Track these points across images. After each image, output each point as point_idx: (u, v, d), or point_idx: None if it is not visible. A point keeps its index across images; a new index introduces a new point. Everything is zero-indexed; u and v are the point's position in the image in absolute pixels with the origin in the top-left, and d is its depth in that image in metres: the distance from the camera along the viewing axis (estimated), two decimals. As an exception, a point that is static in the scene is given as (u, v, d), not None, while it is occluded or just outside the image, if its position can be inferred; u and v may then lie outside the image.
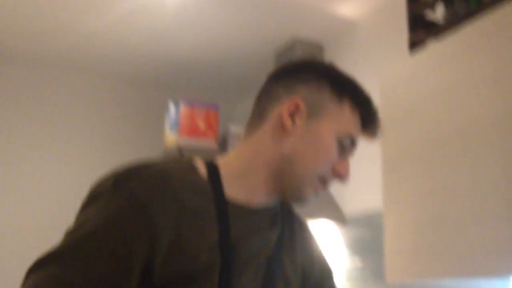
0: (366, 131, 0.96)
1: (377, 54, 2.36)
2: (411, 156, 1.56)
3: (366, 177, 2.26)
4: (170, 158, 0.93)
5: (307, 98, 0.91)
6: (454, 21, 1.56)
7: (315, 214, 2.31)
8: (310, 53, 2.68)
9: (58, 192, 2.94)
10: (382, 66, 1.78)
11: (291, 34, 2.65)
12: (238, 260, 0.87)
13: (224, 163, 0.93)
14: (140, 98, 3.28)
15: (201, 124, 2.74)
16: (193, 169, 0.89)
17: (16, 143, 2.93)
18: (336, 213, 2.34)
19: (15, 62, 3.01)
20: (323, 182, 0.92)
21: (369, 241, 2.19)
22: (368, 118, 0.95)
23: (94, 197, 0.82)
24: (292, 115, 0.90)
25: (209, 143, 2.74)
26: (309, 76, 0.94)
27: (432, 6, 1.69)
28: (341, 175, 0.92)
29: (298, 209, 1.06)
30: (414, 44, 1.68)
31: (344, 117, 0.92)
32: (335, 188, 2.45)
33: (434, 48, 1.56)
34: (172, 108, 2.75)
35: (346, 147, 0.92)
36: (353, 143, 0.94)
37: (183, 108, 2.70)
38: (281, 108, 0.91)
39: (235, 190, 0.90)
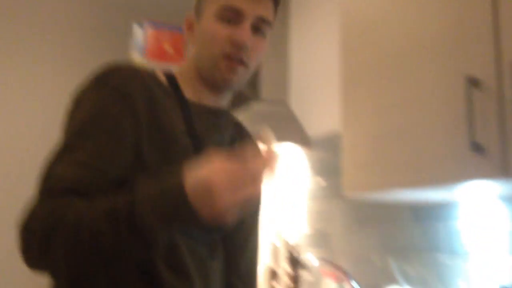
0: None
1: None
2: (368, 71, 1.58)
3: (329, 98, 2.30)
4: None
5: (194, 8, 1.06)
6: None
7: (281, 138, 2.36)
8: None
9: (26, 119, 2.92)
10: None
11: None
12: (204, 148, 1.00)
13: (178, 71, 1.09)
14: (102, 20, 3.18)
15: (168, 48, 2.71)
16: (155, 73, 1.03)
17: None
18: (301, 136, 2.39)
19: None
20: (227, 57, 1.00)
21: (331, 162, 2.25)
22: None
23: (80, 99, 0.95)
24: (188, 26, 1.07)
25: (177, 67, 2.72)
26: None
27: None
28: (236, 41, 0.98)
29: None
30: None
31: None
32: (300, 111, 2.49)
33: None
34: (137, 31, 2.69)
35: (230, 18, 0.99)
36: (235, 11, 0.98)
37: (149, 31, 2.65)
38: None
39: (189, 92, 1.05)
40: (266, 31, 1.03)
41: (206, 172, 0.76)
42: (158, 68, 2.59)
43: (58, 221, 0.81)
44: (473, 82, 1.21)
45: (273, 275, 2.35)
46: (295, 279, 2.21)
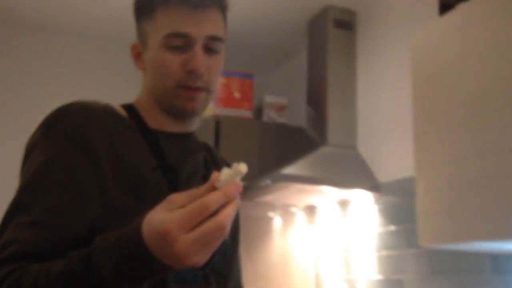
0: (183, 4, 0.92)
1: (408, 19, 2.33)
2: (442, 118, 1.55)
3: (399, 143, 2.26)
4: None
5: (139, 37, 0.99)
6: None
7: (351, 184, 2.33)
8: (342, 19, 2.66)
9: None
10: (413, 30, 1.77)
11: (323, 0, 2.63)
12: (179, 179, 0.94)
13: (136, 101, 1.02)
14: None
15: (236, 94, 2.78)
16: (111, 106, 0.95)
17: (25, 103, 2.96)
18: (371, 182, 2.36)
19: (24, 27, 3.10)
20: (185, 87, 0.93)
21: (402, 207, 2.20)
22: None
23: (31, 148, 0.87)
24: (135, 56, 1.00)
25: (244, 112, 2.78)
26: (134, 15, 1.00)
27: (463, -34, 1.66)
28: (191, 70, 0.92)
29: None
30: (444, 6, 1.66)
31: (158, 24, 0.93)
32: (369, 156, 2.46)
33: (463, 9, 1.54)
34: (207, 79, 2.79)
35: (179, 44, 0.92)
36: (182, 36, 0.91)
37: (218, 79, 2.73)
38: None
39: (153, 122, 0.98)
40: (219, 47, 0.96)
41: (160, 216, 0.68)
42: (228, 115, 2.67)
43: None
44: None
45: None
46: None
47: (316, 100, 2.67)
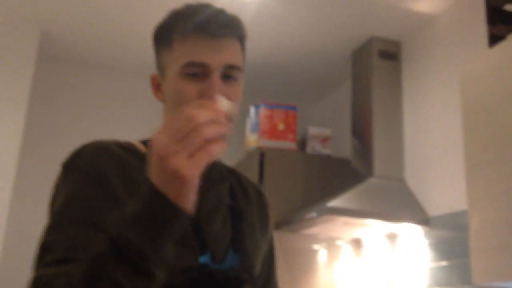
0: (200, 34, 0.93)
1: (456, 49, 2.29)
2: (495, 150, 1.51)
3: (449, 175, 2.21)
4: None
5: (158, 68, 1.00)
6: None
7: (399, 217, 2.29)
8: (387, 50, 2.65)
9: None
10: (461, 61, 1.74)
11: (368, 32, 2.63)
12: (201, 212, 0.91)
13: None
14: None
15: (280, 126, 2.79)
16: (128, 142, 0.97)
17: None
18: (419, 215, 2.30)
19: (88, 66, 3.21)
20: None
21: (454, 242, 2.13)
22: (194, 26, 0.93)
23: (55, 192, 0.89)
24: (155, 87, 1.01)
25: (288, 144, 2.78)
26: (153, 47, 1.01)
27: (513, -3, 1.63)
28: (207, 95, 0.91)
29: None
30: (494, 37, 1.63)
31: (175, 54, 0.94)
32: (417, 189, 2.41)
33: (516, 41, 1.50)
34: (252, 111, 2.81)
35: (197, 72, 0.92)
36: (200, 66, 0.92)
37: (263, 111, 2.76)
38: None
39: None
40: (237, 75, 0.96)
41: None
42: (272, 146, 2.68)
43: None
44: None
45: None
46: None
47: (361, 131, 2.65)
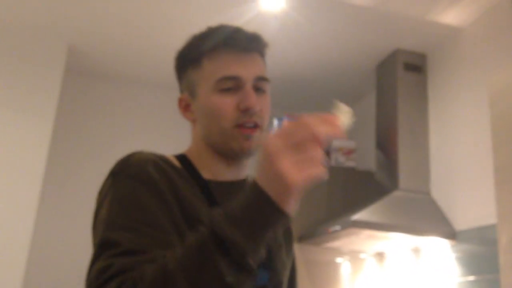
0: (230, 49, 0.97)
1: (483, 62, 2.27)
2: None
3: (476, 189, 2.18)
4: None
5: (185, 89, 1.03)
6: None
7: (423, 231, 2.26)
8: (412, 62, 2.63)
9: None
10: (488, 74, 1.72)
11: (393, 44, 2.62)
12: None
13: (188, 151, 1.03)
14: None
15: (303, 138, 2.78)
16: (166, 157, 0.98)
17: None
18: (445, 229, 2.27)
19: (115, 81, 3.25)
20: (241, 126, 0.95)
21: (482, 256, 2.09)
22: (221, 42, 0.97)
23: (102, 198, 0.89)
24: (184, 108, 1.03)
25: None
26: (177, 69, 1.04)
27: (543, 8, 1.61)
28: (245, 108, 0.94)
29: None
30: (524, 49, 1.61)
31: (206, 72, 0.97)
32: (443, 202, 2.38)
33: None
34: (275, 124, 2.82)
35: (231, 86, 0.95)
36: (233, 79, 0.95)
37: (286, 123, 2.76)
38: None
39: (205, 172, 0.99)
40: (266, 87, 0.99)
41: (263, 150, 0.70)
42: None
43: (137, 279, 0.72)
44: None
45: None
46: None
47: (386, 143, 2.63)
